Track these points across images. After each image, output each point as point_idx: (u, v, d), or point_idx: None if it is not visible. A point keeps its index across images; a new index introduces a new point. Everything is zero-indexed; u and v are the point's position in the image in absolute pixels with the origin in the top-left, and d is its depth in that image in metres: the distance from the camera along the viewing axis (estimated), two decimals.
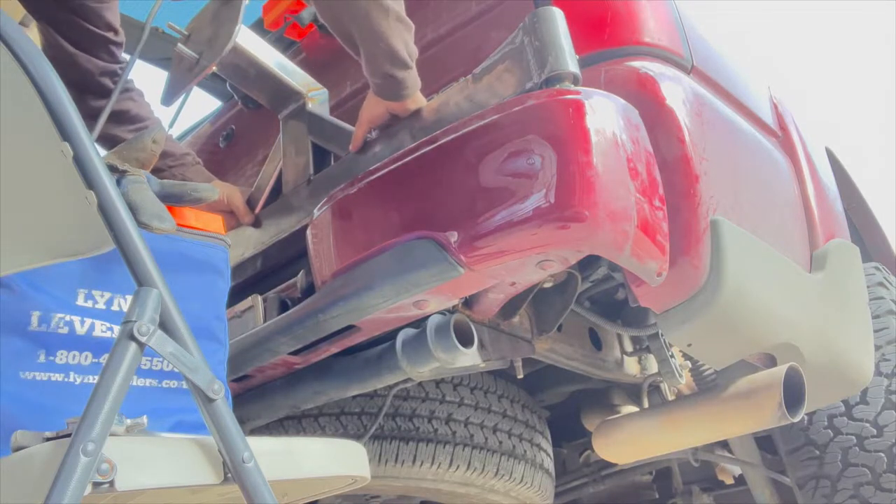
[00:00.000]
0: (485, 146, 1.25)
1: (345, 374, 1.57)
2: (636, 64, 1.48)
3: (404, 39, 1.47)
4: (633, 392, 2.30)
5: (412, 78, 1.52)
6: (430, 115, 1.52)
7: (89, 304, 1.06)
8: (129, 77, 1.72)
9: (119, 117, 1.71)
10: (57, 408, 0.99)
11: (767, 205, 1.62)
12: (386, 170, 1.38)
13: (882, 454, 1.90)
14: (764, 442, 2.21)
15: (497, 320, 1.60)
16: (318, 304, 1.42)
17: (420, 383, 1.92)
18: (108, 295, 1.08)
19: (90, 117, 1.57)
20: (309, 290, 1.53)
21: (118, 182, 0.96)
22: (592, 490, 2.59)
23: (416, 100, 1.56)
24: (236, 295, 1.55)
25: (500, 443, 2.00)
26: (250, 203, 1.85)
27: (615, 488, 2.84)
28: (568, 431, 2.57)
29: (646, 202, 1.23)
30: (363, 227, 1.39)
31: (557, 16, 1.31)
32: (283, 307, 1.57)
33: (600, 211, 1.16)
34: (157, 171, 1.30)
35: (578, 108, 1.20)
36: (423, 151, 1.34)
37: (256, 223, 1.83)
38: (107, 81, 1.69)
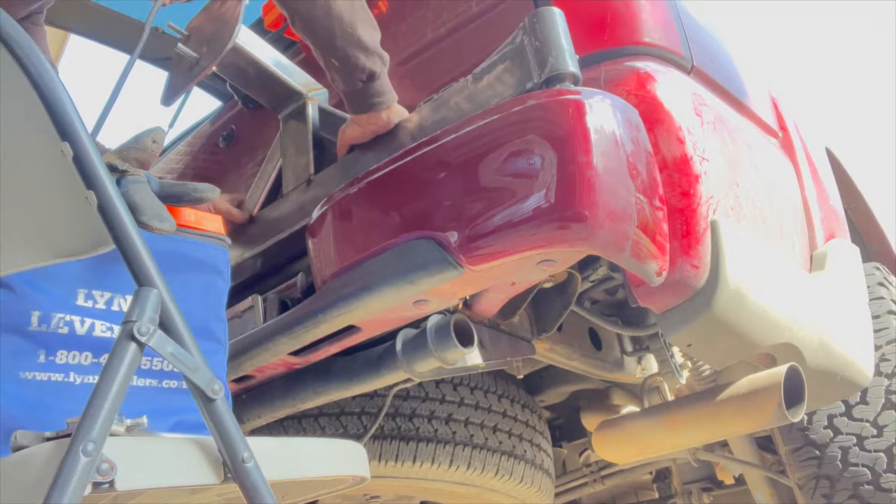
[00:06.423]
0: (485, 146, 1.25)
1: (345, 374, 1.57)
2: (636, 64, 1.48)
3: (372, 35, 1.43)
4: (633, 392, 2.31)
5: (386, 83, 1.48)
6: (429, 115, 1.51)
7: (89, 304, 1.06)
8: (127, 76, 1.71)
9: None
10: (57, 408, 0.99)
11: (767, 205, 1.62)
12: (386, 170, 1.38)
13: (882, 454, 1.90)
14: (764, 442, 2.21)
15: (497, 320, 1.59)
16: (318, 304, 1.42)
17: (420, 383, 1.92)
18: (108, 295, 1.08)
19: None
20: (309, 290, 1.53)
21: (118, 182, 0.97)
22: (592, 490, 2.60)
23: (395, 111, 1.51)
24: (236, 295, 1.55)
25: (500, 443, 2.00)
26: (248, 203, 1.85)
27: (615, 488, 2.84)
28: (568, 431, 2.57)
29: (646, 202, 1.23)
30: (363, 227, 1.39)
31: (557, 16, 1.31)
32: (283, 307, 1.57)
33: (600, 211, 1.16)
34: None
35: (578, 108, 1.20)
36: (423, 151, 1.34)
37: (255, 222, 1.83)
38: None
